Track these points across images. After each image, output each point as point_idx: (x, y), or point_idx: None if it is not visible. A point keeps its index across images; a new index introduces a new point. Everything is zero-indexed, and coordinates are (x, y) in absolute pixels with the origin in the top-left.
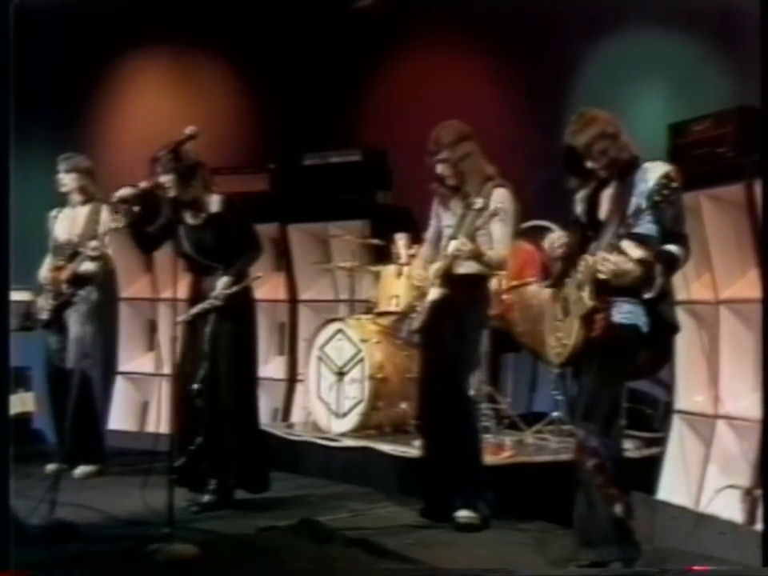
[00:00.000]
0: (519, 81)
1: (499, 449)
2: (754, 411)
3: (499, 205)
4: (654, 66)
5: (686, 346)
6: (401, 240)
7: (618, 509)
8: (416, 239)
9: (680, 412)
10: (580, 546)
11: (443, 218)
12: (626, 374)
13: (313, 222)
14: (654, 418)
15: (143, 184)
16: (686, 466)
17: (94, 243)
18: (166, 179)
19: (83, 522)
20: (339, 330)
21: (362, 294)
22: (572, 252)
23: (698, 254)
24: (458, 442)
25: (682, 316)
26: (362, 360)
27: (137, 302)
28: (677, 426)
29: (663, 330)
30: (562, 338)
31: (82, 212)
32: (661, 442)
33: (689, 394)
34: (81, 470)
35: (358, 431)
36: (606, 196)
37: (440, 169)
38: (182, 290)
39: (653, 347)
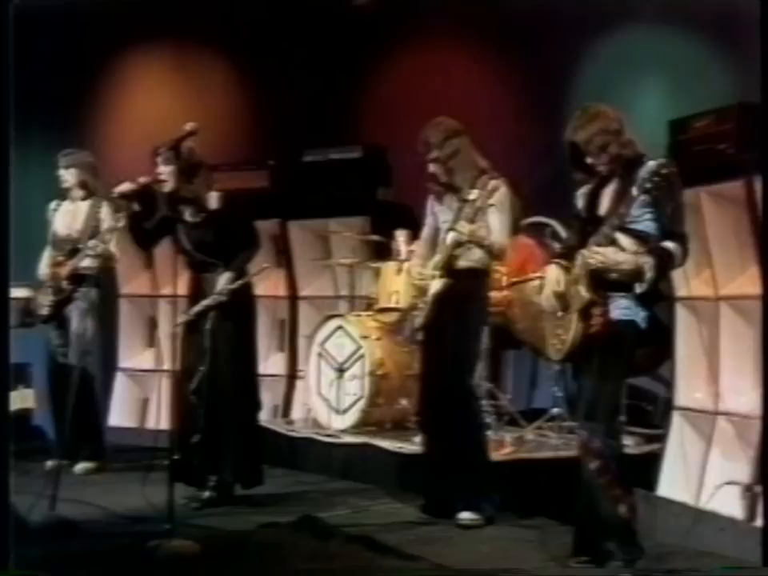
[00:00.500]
0: (519, 78)
1: (499, 445)
2: (754, 408)
3: (494, 195)
4: (655, 63)
5: (685, 342)
6: (401, 236)
7: (621, 509)
8: (416, 236)
9: (680, 408)
10: (582, 544)
11: (439, 215)
12: (625, 371)
13: (313, 219)
14: (654, 414)
15: (143, 179)
16: (686, 462)
17: (94, 241)
18: (165, 170)
19: (83, 518)
20: (339, 327)
21: (362, 291)
22: (573, 248)
23: (698, 251)
24: (461, 439)
25: (682, 312)
26: (362, 356)
27: (137, 298)
28: (677, 422)
29: (661, 326)
30: (561, 333)
31: (83, 207)
32: (661, 438)
33: (689, 390)
34: (81, 466)
35: (358, 428)
36: (608, 193)
37: (432, 168)
38: (183, 286)
39: (651, 343)
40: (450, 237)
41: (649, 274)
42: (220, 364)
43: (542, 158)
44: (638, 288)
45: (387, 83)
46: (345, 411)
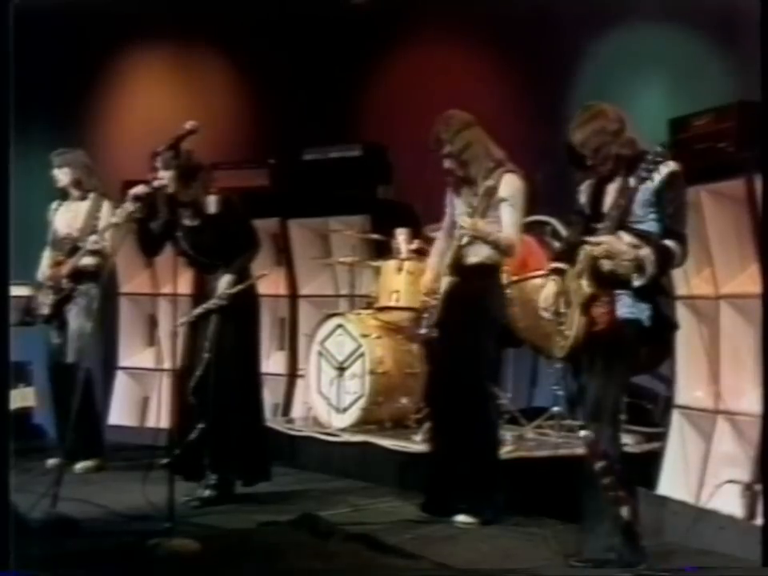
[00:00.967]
0: (520, 76)
1: (500, 443)
2: (754, 406)
3: (506, 190)
4: (655, 62)
5: (686, 341)
6: (401, 235)
7: (624, 511)
8: (416, 234)
9: (680, 407)
10: (584, 544)
11: (456, 206)
12: (630, 370)
13: (313, 217)
14: (654, 412)
15: (157, 183)
16: (687, 461)
17: (93, 238)
18: (165, 175)
19: (83, 516)
20: (339, 325)
21: (363, 289)
22: (575, 245)
23: (698, 249)
24: (470, 438)
25: (682, 311)
26: (362, 355)
27: (137, 296)
28: (677, 421)
29: (664, 325)
30: (564, 329)
31: (83, 206)
32: (661, 437)
33: (689, 389)
34: (81, 464)
35: (358, 426)
36: (612, 189)
37: (446, 164)
38: (183, 285)
39: (654, 342)
40: (459, 233)
41: (649, 269)
42: (224, 364)
43: (543, 157)
44: (637, 281)
45: (387, 82)
46: (345, 410)
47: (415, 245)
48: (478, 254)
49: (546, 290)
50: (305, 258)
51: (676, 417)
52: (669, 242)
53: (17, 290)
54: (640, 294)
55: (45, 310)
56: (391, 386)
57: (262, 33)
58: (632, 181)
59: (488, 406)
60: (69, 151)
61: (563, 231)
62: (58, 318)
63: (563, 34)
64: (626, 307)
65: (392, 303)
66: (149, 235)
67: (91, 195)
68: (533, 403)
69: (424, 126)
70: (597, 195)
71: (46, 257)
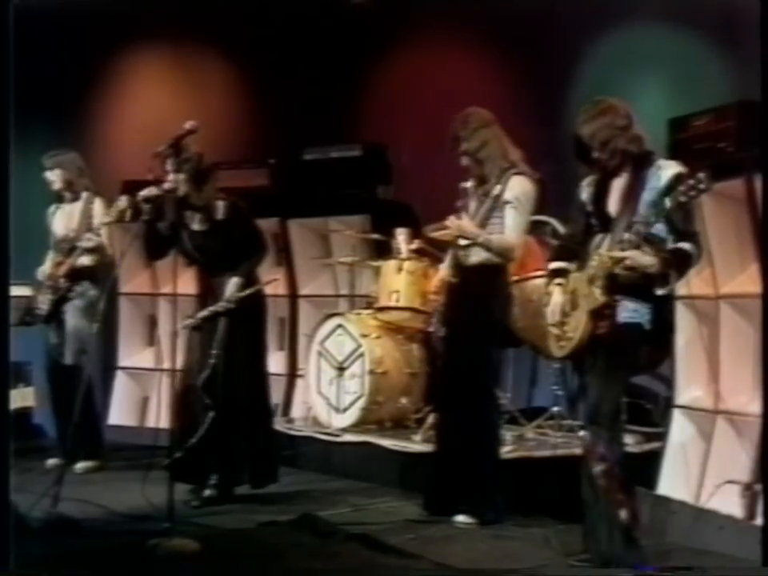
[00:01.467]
0: (520, 76)
1: (500, 444)
2: (754, 406)
3: (511, 192)
4: (655, 61)
5: (686, 341)
6: (401, 235)
7: (623, 513)
8: (416, 234)
9: (680, 407)
10: (583, 543)
11: (470, 208)
12: (630, 373)
13: (313, 217)
14: (654, 412)
15: (167, 185)
16: (686, 460)
17: (88, 235)
18: (176, 178)
19: (83, 516)
20: (339, 325)
21: (362, 289)
22: (576, 240)
23: None
24: (471, 437)
25: (682, 311)
26: (362, 355)
27: (137, 296)
28: (677, 420)
29: (665, 327)
30: (567, 331)
31: (77, 207)
32: (661, 436)
33: (689, 389)
34: (81, 465)
35: (358, 426)
36: (616, 188)
37: (464, 161)
38: (183, 285)
39: (654, 343)
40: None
41: (673, 277)
42: (233, 367)
43: (543, 157)
44: (660, 291)
45: (387, 82)
46: (345, 410)
47: (415, 245)
48: (478, 255)
49: (553, 300)
50: (305, 258)
51: (676, 417)
52: (685, 245)
53: (17, 290)
54: (641, 298)
55: (43, 311)
56: (391, 386)
57: (262, 33)
58: (667, 202)
59: (489, 406)
60: (61, 153)
61: (563, 231)
62: (56, 317)
63: (563, 34)
64: (627, 311)
65: (392, 303)
66: (156, 238)
67: (83, 195)
68: (532, 403)
69: (424, 126)
70: (600, 193)
71: (49, 259)
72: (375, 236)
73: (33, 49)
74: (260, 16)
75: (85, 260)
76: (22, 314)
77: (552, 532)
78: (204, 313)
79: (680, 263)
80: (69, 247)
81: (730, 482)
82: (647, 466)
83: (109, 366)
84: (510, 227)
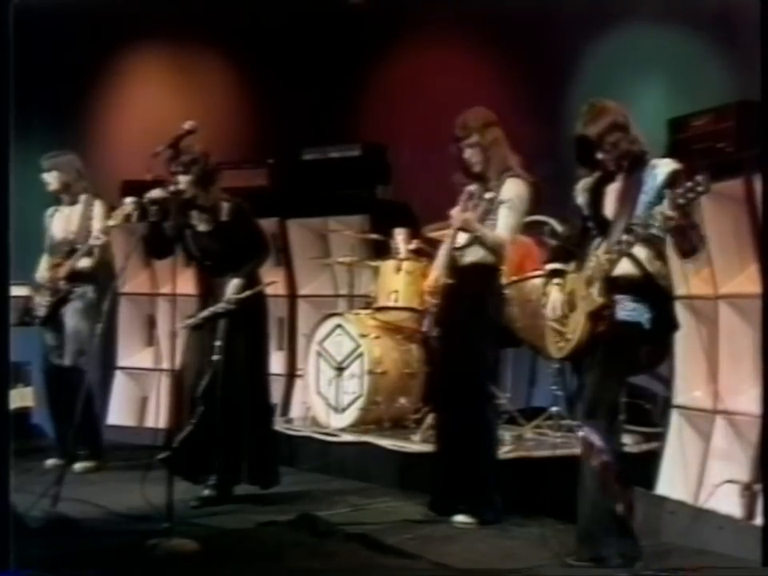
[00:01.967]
0: (519, 76)
1: (498, 444)
2: (753, 406)
3: (506, 193)
4: (654, 61)
5: (684, 341)
6: (400, 235)
7: (620, 507)
8: (415, 234)
9: (679, 407)
10: (581, 542)
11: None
12: (628, 371)
13: (312, 217)
14: (653, 412)
15: (174, 188)
16: (685, 460)
17: (96, 234)
18: (183, 180)
19: (82, 517)
20: (338, 325)
21: (361, 289)
22: (573, 242)
23: None
24: (469, 437)
25: (681, 311)
26: (360, 355)
27: (136, 297)
28: (676, 420)
29: (665, 326)
30: (566, 332)
31: (76, 210)
32: (660, 436)
33: (688, 389)
34: (80, 465)
35: (357, 426)
36: (612, 190)
37: (468, 154)
38: (182, 285)
39: (653, 343)
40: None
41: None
42: (234, 368)
43: (542, 157)
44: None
45: (386, 82)
46: (344, 410)
47: (414, 245)
48: (473, 255)
49: (552, 299)
50: (304, 258)
51: (675, 417)
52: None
53: (16, 290)
54: (640, 297)
55: (42, 312)
56: (390, 386)
57: (262, 33)
58: (643, 195)
59: (485, 406)
60: (59, 155)
61: (561, 231)
62: (54, 319)
63: (563, 34)
64: (626, 310)
65: (391, 303)
66: (161, 238)
67: (82, 198)
68: (531, 403)
69: (423, 126)
70: (596, 196)
71: (44, 261)
72: (374, 236)
73: (33, 49)
74: (260, 16)
75: (85, 262)
76: (21, 314)
77: (551, 532)
78: (204, 313)
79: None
80: (68, 249)
81: (728, 481)
82: (646, 466)
83: (108, 366)
84: (502, 225)
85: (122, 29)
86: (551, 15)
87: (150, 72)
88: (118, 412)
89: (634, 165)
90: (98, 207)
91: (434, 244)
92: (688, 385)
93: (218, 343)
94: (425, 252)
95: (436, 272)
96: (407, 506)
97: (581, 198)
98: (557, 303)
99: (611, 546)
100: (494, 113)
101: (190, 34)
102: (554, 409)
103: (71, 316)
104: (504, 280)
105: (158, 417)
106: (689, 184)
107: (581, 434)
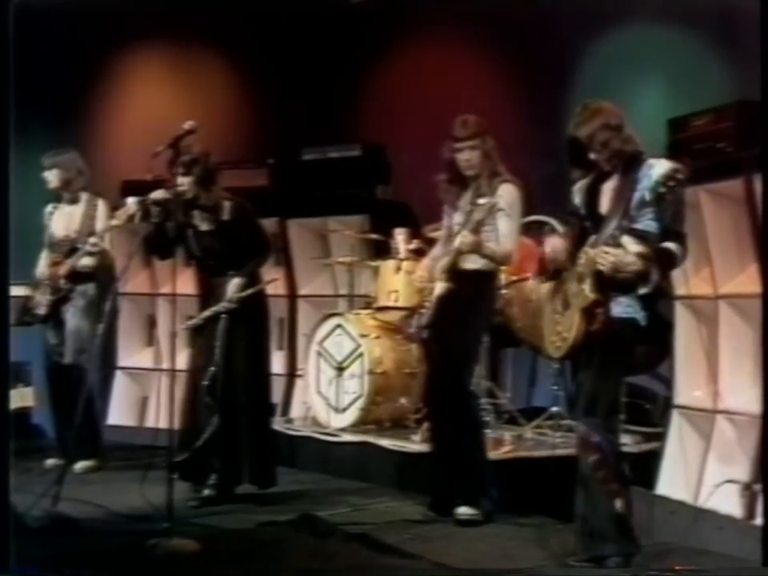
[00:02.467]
0: (518, 76)
1: (498, 444)
2: (754, 406)
3: (503, 200)
4: (654, 61)
5: (685, 341)
6: (400, 235)
7: (618, 504)
8: (415, 234)
9: (679, 407)
10: (580, 541)
11: (453, 216)
12: (625, 368)
13: (312, 217)
14: (653, 412)
15: (178, 187)
16: (686, 460)
17: (93, 240)
18: (185, 181)
19: (82, 516)
20: (338, 325)
21: (361, 289)
22: (571, 244)
23: (697, 249)
24: (459, 437)
25: (681, 311)
26: (361, 355)
27: (136, 296)
28: (676, 420)
29: (661, 325)
30: (561, 331)
31: (78, 208)
32: (660, 436)
33: (688, 388)
34: (80, 465)
35: (357, 426)
36: (608, 189)
37: (466, 155)
38: (182, 285)
39: (651, 342)
40: (456, 241)
41: (654, 276)
42: (234, 368)
43: (541, 157)
44: (642, 289)
45: (386, 81)
46: (344, 410)
47: (414, 245)
48: (475, 261)
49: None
50: (304, 258)
51: (675, 416)
52: (670, 245)
53: (15, 290)
54: (637, 295)
55: (42, 311)
56: (390, 386)
57: (262, 33)
58: (647, 194)
59: (469, 404)
60: (61, 152)
61: (561, 231)
62: (55, 318)
63: (563, 34)
64: (621, 306)
65: (391, 303)
66: (163, 238)
67: (84, 196)
68: (532, 403)
69: (423, 126)
70: (593, 196)
71: (44, 258)
72: (374, 236)
73: (33, 48)
74: (260, 16)
75: (86, 261)
76: (20, 313)
77: (551, 532)
78: (206, 313)
79: (663, 262)
80: (69, 248)
81: (729, 481)
82: (646, 466)
83: (108, 366)
84: (505, 234)
85: (122, 29)
86: (551, 15)
87: (150, 72)
88: (118, 412)
89: (630, 164)
90: (101, 207)
91: (434, 244)
92: (688, 385)
93: (218, 343)
94: (425, 252)
95: (423, 270)
96: (407, 505)
97: (578, 198)
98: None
99: (611, 546)
100: (494, 113)
101: (190, 34)
102: (554, 409)
103: (72, 315)
104: (503, 280)
105: (158, 417)
106: (668, 173)
107: (578, 432)
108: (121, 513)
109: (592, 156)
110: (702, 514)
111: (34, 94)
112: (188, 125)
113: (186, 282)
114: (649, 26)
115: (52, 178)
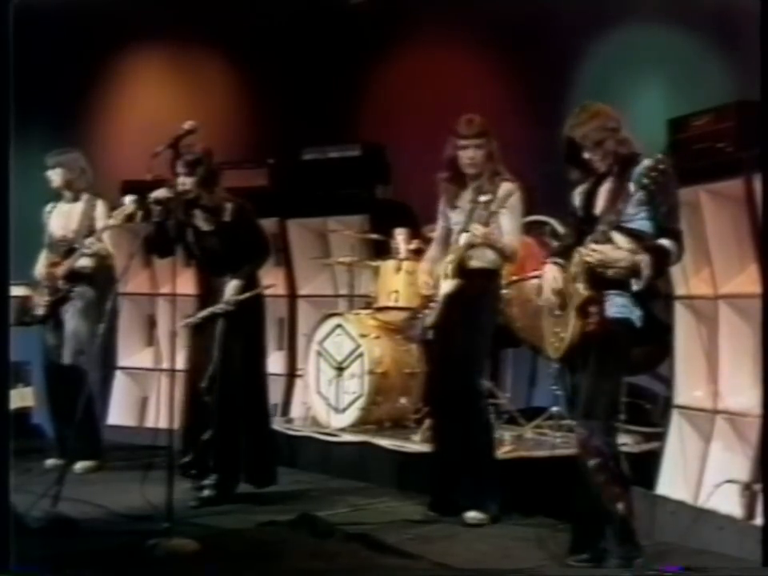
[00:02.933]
0: (518, 76)
1: (499, 444)
2: (753, 406)
3: (507, 199)
4: (654, 61)
5: (685, 341)
6: (400, 235)
7: (619, 507)
8: (415, 234)
9: (679, 407)
10: (580, 542)
11: (451, 216)
12: (622, 369)
13: (312, 217)
14: (653, 412)
15: (180, 187)
16: (685, 460)
17: (90, 239)
18: (187, 181)
19: (82, 517)
20: (338, 325)
21: (361, 289)
22: (569, 246)
23: (697, 249)
24: (469, 439)
25: (681, 311)
26: (361, 355)
27: (136, 297)
28: (676, 420)
29: (657, 325)
30: (559, 331)
31: (77, 208)
32: (660, 436)
33: (688, 388)
34: (80, 465)
35: (357, 426)
36: (604, 191)
37: (471, 153)
38: (182, 285)
39: (647, 342)
40: (464, 238)
41: (645, 272)
42: (231, 368)
43: (541, 157)
44: (635, 286)
45: (386, 82)
46: (344, 410)
47: (414, 245)
48: (481, 259)
49: (548, 273)
50: (304, 258)
51: (675, 417)
52: (665, 242)
53: (15, 290)
54: (630, 294)
55: (40, 311)
56: (390, 386)
57: (262, 33)
58: (631, 187)
59: (480, 405)
60: (64, 152)
61: (562, 231)
62: (53, 318)
63: (563, 35)
64: (616, 306)
65: (391, 303)
66: (164, 237)
67: (84, 196)
68: (532, 403)
69: (423, 126)
70: (590, 198)
71: (43, 258)
72: (374, 236)
73: (33, 48)
74: (260, 16)
75: (84, 262)
76: (19, 314)
77: (551, 532)
78: (203, 313)
79: (657, 259)
80: (67, 248)
81: (729, 481)
82: (646, 466)
83: (108, 366)
84: (509, 231)
85: (122, 29)
86: (551, 15)
87: (150, 72)
88: (118, 412)
89: (626, 166)
90: (100, 207)
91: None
92: (688, 385)
93: (215, 344)
94: (425, 252)
95: (425, 275)
96: (407, 505)
97: (576, 201)
98: (550, 295)
99: (611, 546)
100: (494, 113)
101: (190, 35)
102: (554, 409)
103: (71, 316)
104: (504, 280)
105: (157, 417)
106: (650, 164)
107: (578, 435)
108: (121, 513)
109: (585, 155)
110: (702, 514)
111: (34, 94)
112: (188, 125)
113: (186, 282)
114: (649, 26)
115: (55, 177)
